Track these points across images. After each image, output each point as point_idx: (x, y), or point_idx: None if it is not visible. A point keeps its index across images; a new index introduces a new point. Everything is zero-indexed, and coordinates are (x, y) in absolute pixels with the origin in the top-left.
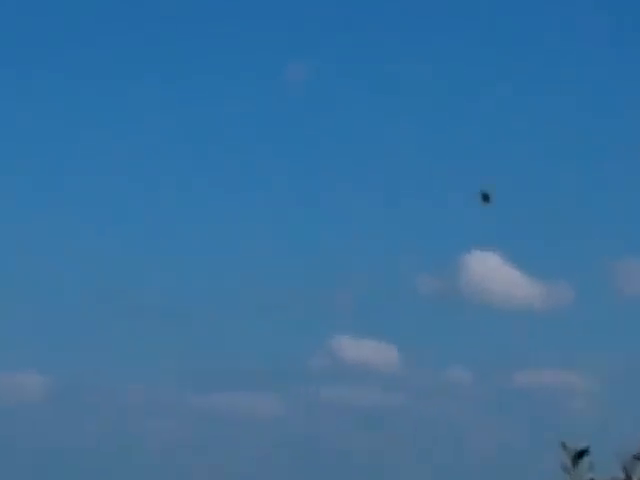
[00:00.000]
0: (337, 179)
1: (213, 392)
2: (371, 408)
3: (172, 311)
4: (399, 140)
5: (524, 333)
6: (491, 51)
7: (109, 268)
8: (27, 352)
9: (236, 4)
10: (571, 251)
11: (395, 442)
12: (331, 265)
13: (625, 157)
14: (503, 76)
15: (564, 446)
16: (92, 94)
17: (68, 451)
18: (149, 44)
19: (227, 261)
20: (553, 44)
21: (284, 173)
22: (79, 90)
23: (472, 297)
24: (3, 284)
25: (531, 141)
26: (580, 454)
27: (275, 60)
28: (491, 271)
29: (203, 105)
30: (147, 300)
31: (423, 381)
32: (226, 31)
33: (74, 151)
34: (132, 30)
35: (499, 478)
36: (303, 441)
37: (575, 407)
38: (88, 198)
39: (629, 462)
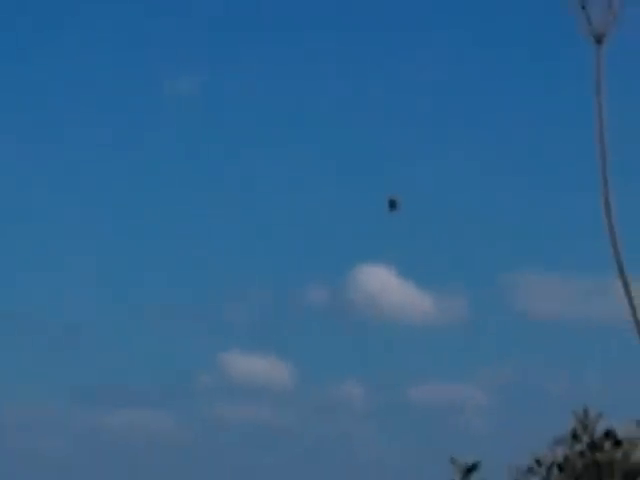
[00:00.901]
0: (228, 191)
1: (103, 409)
2: (262, 424)
3: (60, 327)
4: (292, 151)
5: (417, 347)
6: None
7: None
8: None
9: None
10: (466, 265)
11: (286, 458)
12: (221, 280)
13: (523, 172)
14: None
15: (453, 461)
16: None
17: None
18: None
19: (117, 277)
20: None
21: (172, 184)
22: None
23: (365, 311)
24: None
25: (434, 151)
26: (469, 469)
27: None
28: (384, 284)
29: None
30: (33, 316)
31: (315, 397)
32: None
33: None
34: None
35: None
36: (194, 457)
37: (467, 421)
38: None
39: (521, 475)
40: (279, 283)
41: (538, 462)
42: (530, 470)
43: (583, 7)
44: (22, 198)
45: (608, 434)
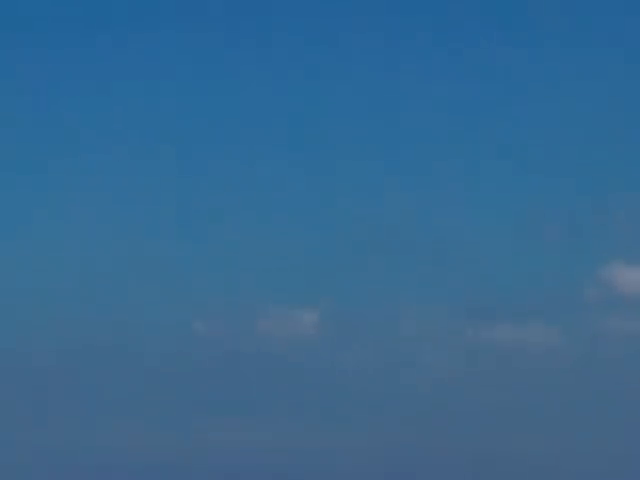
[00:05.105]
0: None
1: (490, 324)
2: None
3: (454, 246)
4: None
5: None
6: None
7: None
8: (303, 286)
9: None
10: None
11: None
12: (604, 188)
13: None
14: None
15: None
16: None
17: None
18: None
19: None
20: None
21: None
22: None
23: None
24: None
25: None
26: None
27: None
28: None
29: None
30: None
31: None
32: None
33: None
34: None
35: None
36: (578, 372)
37: None
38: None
39: None
40: None
41: None
42: None
43: None
44: None
45: None
